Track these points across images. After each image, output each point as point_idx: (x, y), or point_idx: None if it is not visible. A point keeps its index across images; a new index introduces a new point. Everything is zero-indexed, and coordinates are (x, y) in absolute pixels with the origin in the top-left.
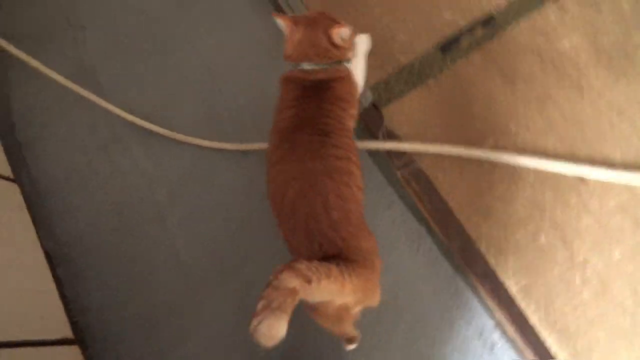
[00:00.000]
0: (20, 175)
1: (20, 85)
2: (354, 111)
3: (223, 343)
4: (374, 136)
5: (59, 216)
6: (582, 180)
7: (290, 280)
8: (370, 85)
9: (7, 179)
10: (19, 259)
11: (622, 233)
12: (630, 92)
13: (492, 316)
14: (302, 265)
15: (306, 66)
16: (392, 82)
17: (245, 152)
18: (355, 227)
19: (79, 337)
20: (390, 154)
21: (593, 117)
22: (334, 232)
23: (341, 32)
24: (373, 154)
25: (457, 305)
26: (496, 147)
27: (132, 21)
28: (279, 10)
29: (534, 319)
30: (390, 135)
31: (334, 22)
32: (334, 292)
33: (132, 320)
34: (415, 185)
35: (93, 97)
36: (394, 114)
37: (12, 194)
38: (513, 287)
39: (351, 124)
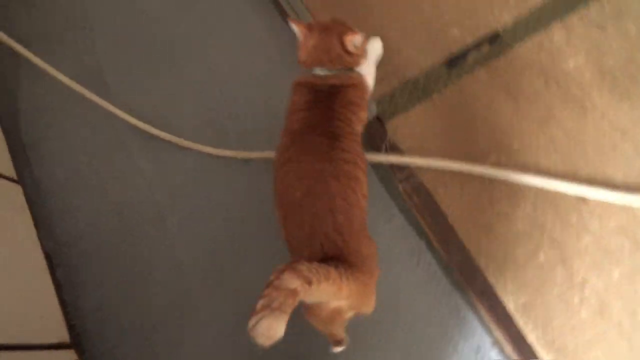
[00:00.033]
0: (23, 176)
1: (28, 86)
2: (364, 114)
3: (222, 344)
4: (377, 149)
5: (60, 217)
6: (583, 199)
7: (292, 281)
8: (375, 98)
9: (10, 179)
10: (19, 260)
11: (622, 254)
12: (634, 113)
13: (490, 333)
14: (304, 267)
15: (319, 71)
16: (396, 95)
17: (246, 160)
18: (357, 232)
19: (76, 341)
20: (392, 167)
21: (596, 137)
22: (337, 234)
23: (354, 40)
24: (375, 166)
25: (455, 322)
26: (498, 163)
27: (140, 25)
28: (281, 11)
29: (531, 337)
30: (393, 149)
31: (348, 29)
32: (331, 295)
33: (130, 323)
34: (416, 199)
35: (97, 99)
36: (398, 127)
37: (14, 194)
38: (511, 304)
39: (360, 128)
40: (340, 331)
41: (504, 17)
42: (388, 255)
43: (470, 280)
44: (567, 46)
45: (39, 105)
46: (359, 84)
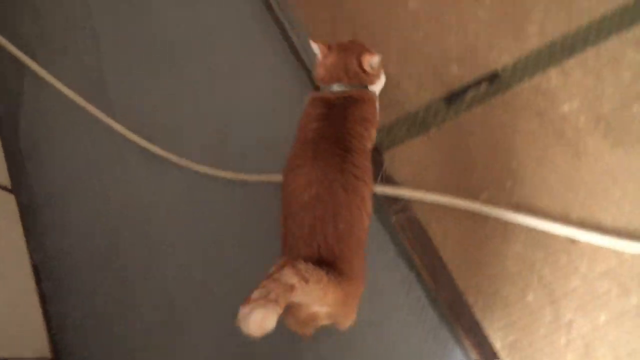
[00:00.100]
0: (19, 186)
1: (31, 96)
2: (375, 133)
3: None
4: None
5: (51, 229)
6: (573, 241)
7: (292, 277)
8: None
9: (4, 188)
10: (5, 270)
11: (609, 298)
12: (626, 160)
13: None
14: (302, 265)
15: (336, 87)
16: (395, 128)
17: (243, 182)
18: (354, 245)
19: (57, 357)
20: (387, 198)
21: (588, 181)
22: (335, 241)
23: (372, 60)
24: None
25: (441, 356)
26: (491, 201)
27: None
28: (284, 33)
29: None
30: (389, 180)
31: (366, 50)
32: (316, 298)
33: (115, 342)
34: (409, 231)
35: (97, 113)
36: (394, 159)
37: (7, 204)
38: (498, 343)
39: (370, 145)
40: (309, 332)
41: (503, 58)
42: (378, 286)
43: (459, 316)
44: (564, 90)
45: (41, 115)
46: (372, 101)
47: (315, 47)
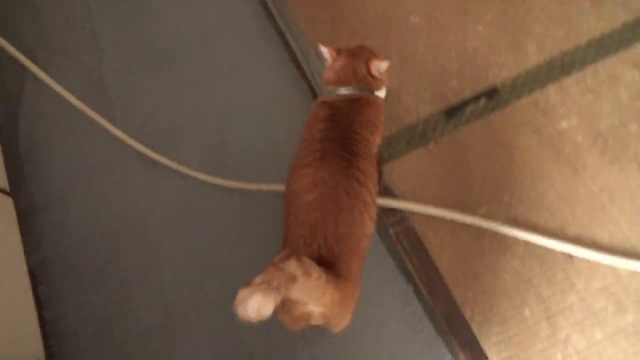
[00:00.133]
0: (17, 189)
1: (30, 98)
2: (380, 138)
3: None
4: None
5: (49, 233)
6: (569, 257)
7: (296, 268)
8: None
9: (2, 191)
10: (1, 274)
11: (605, 315)
12: (622, 178)
13: None
14: (307, 260)
15: (343, 91)
16: (394, 140)
17: (242, 191)
18: (354, 248)
19: None
20: (385, 210)
21: (585, 197)
22: (335, 242)
23: (380, 65)
24: None
25: None
26: (489, 215)
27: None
28: (285, 43)
29: None
30: (387, 192)
31: (375, 55)
32: (314, 297)
33: (109, 347)
34: (406, 243)
35: (99, 119)
36: (393, 171)
37: (4, 207)
38: (494, 357)
39: (375, 150)
40: (300, 328)
41: (503, 74)
42: (375, 298)
43: (455, 330)
44: (562, 107)
45: (39, 114)
46: (379, 105)
47: (324, 51)
